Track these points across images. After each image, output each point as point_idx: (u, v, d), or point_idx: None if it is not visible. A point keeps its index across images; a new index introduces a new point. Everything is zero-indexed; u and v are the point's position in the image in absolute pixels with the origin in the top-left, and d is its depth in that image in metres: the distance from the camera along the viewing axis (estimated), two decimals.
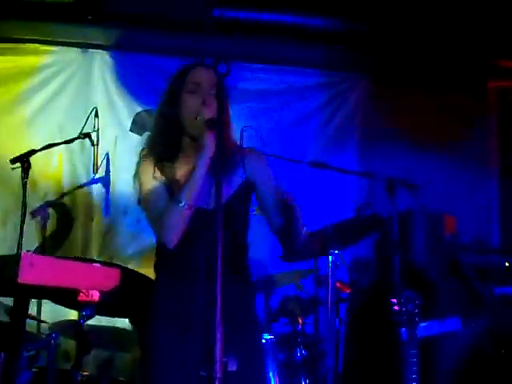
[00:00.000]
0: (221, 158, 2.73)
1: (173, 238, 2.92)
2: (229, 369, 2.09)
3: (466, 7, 5.51)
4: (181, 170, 3.07)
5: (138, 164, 3.13)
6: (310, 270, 5.21)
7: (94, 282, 2.40)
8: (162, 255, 3.06)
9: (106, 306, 3.66)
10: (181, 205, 2.89)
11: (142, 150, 3.16)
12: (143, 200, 3.08)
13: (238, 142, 3.27)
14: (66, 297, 3.30)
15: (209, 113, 2.93)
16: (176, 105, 3.10)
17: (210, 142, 2.89)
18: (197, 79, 3.11)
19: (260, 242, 3.62)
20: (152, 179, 3.04)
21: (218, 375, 2.03)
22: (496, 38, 5.85)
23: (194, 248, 2.92)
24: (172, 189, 3.02)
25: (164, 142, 3.09)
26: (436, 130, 6.51)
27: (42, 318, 4.99)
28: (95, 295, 2.43)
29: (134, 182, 3.14)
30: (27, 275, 2.13)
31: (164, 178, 3.05)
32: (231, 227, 2.88)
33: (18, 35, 5.79)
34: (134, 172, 3.16)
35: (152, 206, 3.02)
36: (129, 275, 3.69)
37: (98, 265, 2.73)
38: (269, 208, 3.17)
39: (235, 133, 3.26)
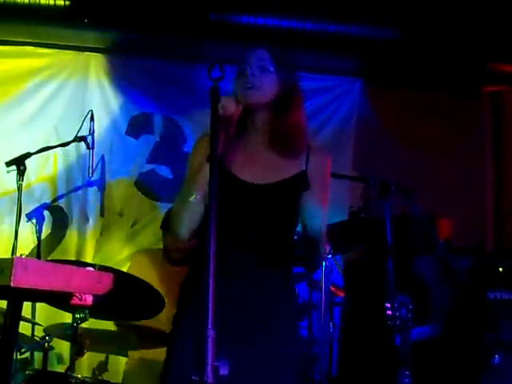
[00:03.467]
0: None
1: (184, 232, 2.84)
2: (220, 373, 2.09)
3: (461, 10, 5.53)
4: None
5: (194, 146, 3.03)
6: (304, 273, 5.22)
7: (87, 286, 2.40)
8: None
9: (100, 309, 3.68)
10: (191, 198, 2.80)
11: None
12: (185, 179, 2.95)
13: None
14: (59, 300, 3.32)
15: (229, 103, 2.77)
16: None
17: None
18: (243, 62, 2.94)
19: None
20: (202, 159, 2.86)
21: (209, 380, 2.03)
22: (491, 41, 5.87)
23: (238, 225, 2.83)
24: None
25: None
26: (431, 133, 6.52)
27: (37, 320, 5.00)
28: (88, 299, 2.43)
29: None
30: (20, 279, 2.14)
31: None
32: (277, 213, 2.81)
33: (14, 38, 5.80)
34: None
35: (179, 196, 2.93)
36: (123, 278, 3.70)
37: (92, 269, 2.73)
38: (308, 211, 2.98)
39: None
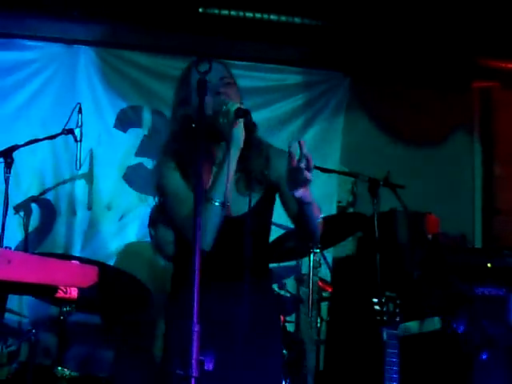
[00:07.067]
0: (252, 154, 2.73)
1: (210, 240, 2.70)
2: (205, 368, 2.08)
3: (451, 5, 5.53)
4: (207, 173, 2.83)
5: (161, 172, 2.95)
6: (291, 268, 5.23)
7: (71, 279, 2.38)
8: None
9: (87, 302, 3.68)
10: (214, 203, 2.68)
11: (162, 157, 2.98)
12: (170, 204, 2.89)
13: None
14: (45, 293, 3.30)
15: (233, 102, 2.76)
16: (193, 107, 2.82)
17: (239, 133, 2.69)
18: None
19: None
20: (178, 181, 2.84)
21: (194, 374, 2.02)
22: (481, 37, 5.88)
23: (221, 255, 2.79)
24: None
25: (187, 146, 2.84)
26: (419, 129, 6.54)
27: (23, 313, 4.98)
28: (73, 292, 2.43)
29: (156, 191, 3.00)
30: (4, 271, 2.13)
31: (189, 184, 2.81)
32: (257, 233, 2.78)
33: (2, 30, 5.76)
34: (155, 184, 2.99)
35: (181, 205, 2.79)
36: (108, 272, 3.69)
37: (76, 262, 2.72)
38: (287, 197, 2.90)
39: None
